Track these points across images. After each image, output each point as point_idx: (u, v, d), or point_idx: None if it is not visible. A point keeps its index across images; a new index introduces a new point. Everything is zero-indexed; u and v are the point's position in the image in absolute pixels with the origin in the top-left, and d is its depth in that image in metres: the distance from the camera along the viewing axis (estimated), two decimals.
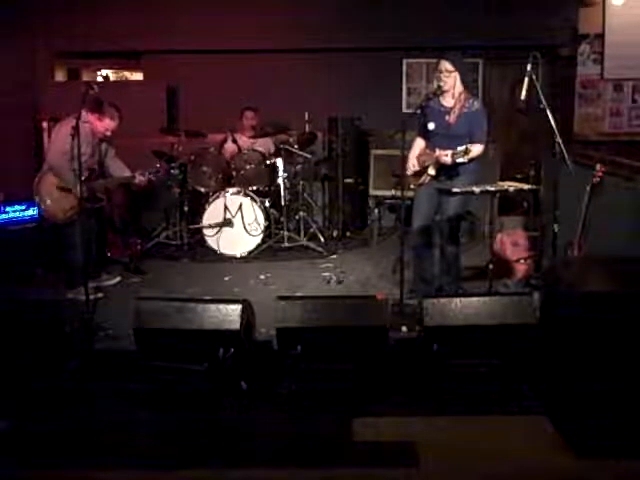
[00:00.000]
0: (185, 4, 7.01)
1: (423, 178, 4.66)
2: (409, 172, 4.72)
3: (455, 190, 4.33)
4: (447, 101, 4.59)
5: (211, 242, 6.21)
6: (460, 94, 4.55)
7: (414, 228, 4.76)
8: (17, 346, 3.72)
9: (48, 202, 4.99)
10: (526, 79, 4.33)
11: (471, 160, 4.42)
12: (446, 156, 4.37)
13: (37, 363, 3.69)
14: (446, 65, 4.51)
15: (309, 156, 6.69)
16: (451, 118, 4.54)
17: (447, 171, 4.53)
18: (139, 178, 5.31)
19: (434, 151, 4.53)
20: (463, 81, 4.56)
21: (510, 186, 4.38)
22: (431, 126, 4.60)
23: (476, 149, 4.43)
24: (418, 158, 4.72)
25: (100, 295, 5.07)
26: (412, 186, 4.77)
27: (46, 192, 4.98)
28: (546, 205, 5.85)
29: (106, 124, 5.07)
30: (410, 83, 7.57)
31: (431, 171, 4.56)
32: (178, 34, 7.00)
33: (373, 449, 3.22)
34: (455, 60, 4.53)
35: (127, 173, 5.34)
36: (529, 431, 3.36)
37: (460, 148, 4.29)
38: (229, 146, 6.72)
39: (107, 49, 7.30)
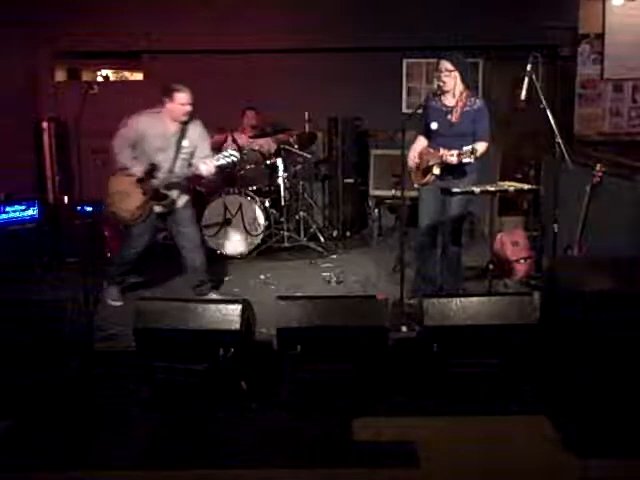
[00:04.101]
0: (185, 4, 7.01)
1: (428, 178, 4.63)
2: (411, 163, 4.68)
3: (455, 190, 4.30)
4: (449, 100, 4.57)
5: (211, 242, 6.21)
6: (462, 93, 4.52)
7: (421, 228, 4.74)
8: (17, 346, 3.71)
9: (115, 204, 4.77)
10: (526, 79, 4.33)
11: (476, 159, 4.36)
12: (452, 156, 4.31)
13: (37, 363, 3.69)
14: (446, 65, 4.49)
15: (309, 156, 6.69)
16: (453, 117, 4.52)
17: (452, 171, 4.49)
18: (204, 168, 4.69)
19: (438, 150, 4.48)
20: (464, 80, 4.53)
21: (510, 186, 4.37)
22: (434, 126, 4.57)
23: (481, 147, 4.39)
24: (421, 156, 4.69)
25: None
26: (416, 185, 4.76)
27: (112, 193, 4.79)
28: (546, 205, 5.85)
29: (180, 100, 4.68)
30: (410, 83, 7.57)
31: (436, 171, 4.51)
32: (178, 34, 7.01)
33: (373, 449, 3.22)
34: (455, 59, 4.50)
35: (195, 166, 4.77)
36: (529, 431, 3.36)
37: (466, 148, 4.24)
38: (229, 146, 6.72)
39: (107, 49, 7.30)
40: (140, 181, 4.70)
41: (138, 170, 4.69)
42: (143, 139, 4.70)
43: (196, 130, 4.84)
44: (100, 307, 4.82)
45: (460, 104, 4.51)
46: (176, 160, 4.77)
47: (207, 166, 4.68)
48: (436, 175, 4.54)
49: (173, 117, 4.73)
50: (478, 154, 4.29)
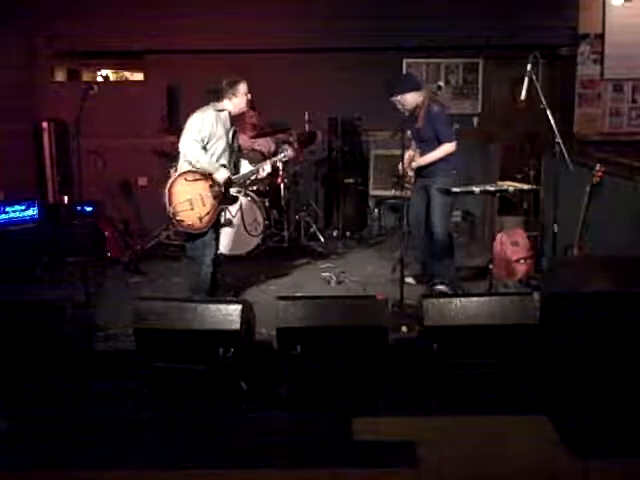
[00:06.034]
0: (185, 4, 7.00)
1: (407, 179, 5.09)
2: (400, 172, 5.11)
3: (455, 190, 4.54)
4: (416, 110, 4.97)
5: None
6: (423, 102, 4.90)
7: (409, 219, 5.16)
8: (17, 346, 3.71)
9: (182, 212, 4.51)
10: (526, 79, 4.34)
11: (440, 160, 4.85)
12: (407, 162, 4.96)
13: (37, 363, 3.69)
14: (397, 100, 4.91)
15: (309, 156, 6.69)
16: (418, 124, 4.93)
17: (422, 171, 4.99)
18: (263, 168, 4.83)
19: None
20: (421, 90, 4.96)
21: (510, 186, 4.42)
22: (409, 133, 5.08)
23: (444, 148, 4.82)
24: (409, 161, 5.10)
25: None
26: (407, 185, 5.08)
27: (179, 202, 4.51)
28: (546, 205, 5.85)
29: (243, 90, 4.62)
30: None
31: (410, 173, 5.03)
32: (178, 34, 7.00)
33: (373, 449, 3.23)
34: (398, 89, 4.89)
35: (249, 168, 4.90)
36: (529, 431, 3.37)
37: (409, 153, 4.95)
38: None
39: (107, 49, 7.30)
40: (211, 186, 4.55)
41: (221, 175, 4.53)
42: (214, 139, 4.55)
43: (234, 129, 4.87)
44: (100, 307, 4.81)
45: (422, 112, 4.90)
46: (231, 158, 4.74)
47: (269, 165, 4.86)
48: (412, 176, 5.06)
49: (237, 111, 4.67)
50: (423, 162, 4.88)
